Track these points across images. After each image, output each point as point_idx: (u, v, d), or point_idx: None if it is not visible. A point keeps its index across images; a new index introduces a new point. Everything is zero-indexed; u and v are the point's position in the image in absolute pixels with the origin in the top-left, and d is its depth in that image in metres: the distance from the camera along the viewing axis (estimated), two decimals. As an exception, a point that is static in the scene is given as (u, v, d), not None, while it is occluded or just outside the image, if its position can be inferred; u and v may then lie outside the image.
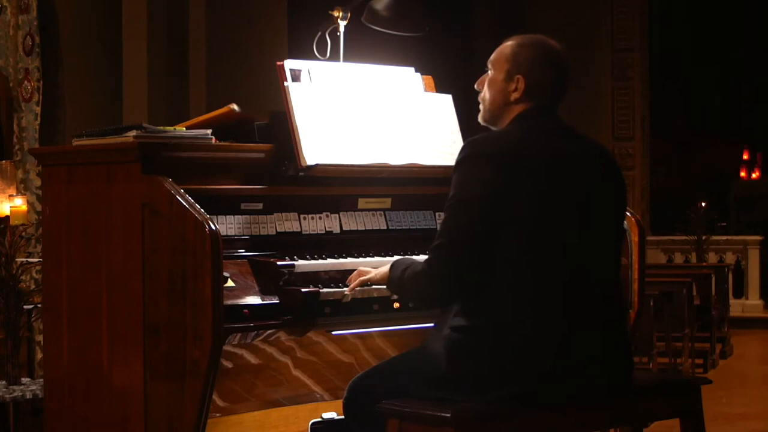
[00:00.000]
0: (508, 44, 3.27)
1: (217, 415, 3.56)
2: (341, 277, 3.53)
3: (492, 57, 3.30)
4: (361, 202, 3.81)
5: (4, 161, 7.51)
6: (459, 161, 3.14)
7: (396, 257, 3.65)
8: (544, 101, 3.23)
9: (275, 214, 3.60)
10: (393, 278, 3.29)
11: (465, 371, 3.10)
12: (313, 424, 3.79)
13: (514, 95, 3.23)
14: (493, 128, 3.30)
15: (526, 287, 3.07)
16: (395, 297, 3.52)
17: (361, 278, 3.43)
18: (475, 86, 3.34)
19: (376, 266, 3.58)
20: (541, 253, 3.07)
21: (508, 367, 3.07)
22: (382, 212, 3.85)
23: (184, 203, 3.17)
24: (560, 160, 3.15)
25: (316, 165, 3.60)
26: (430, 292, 3.19)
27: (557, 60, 3.25)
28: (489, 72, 3.30)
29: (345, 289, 3.45)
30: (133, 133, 3.37)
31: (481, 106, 3.32)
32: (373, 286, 3.45)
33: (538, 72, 3.22)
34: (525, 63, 3.22)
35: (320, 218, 3.70)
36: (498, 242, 3.06)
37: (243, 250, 3.49)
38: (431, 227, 3.94)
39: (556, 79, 3.24)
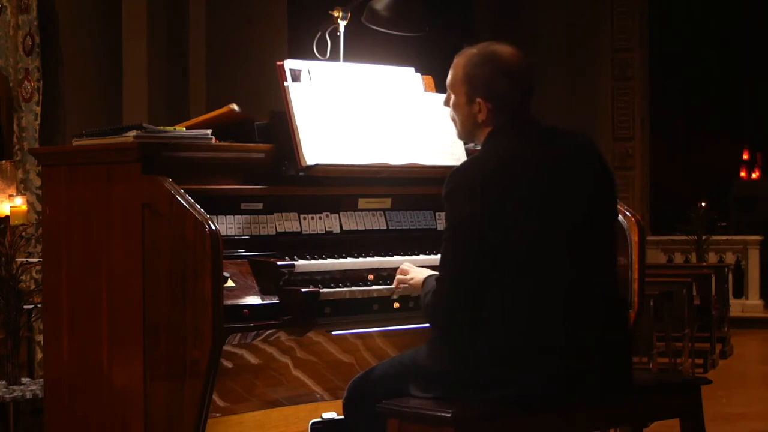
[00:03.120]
0: (460, 64, 3.24)
1: (217, 415, 3.56)
2: (341, 277, 3.54)
3: (448, 80, 3.28)
4: (361, 202, 3.81)
5: (4, 161, 7.50)
6: (447, 194, 3.14)
7: (396, 257, 3.66)
8: (512, 113, 3.21)
9: (275, 214, 3.60)
10: (422, 295, 3.31)
11: (466, 372, 3.10)
12: (313, 424, 3.79)
13: (480, 117, 3.21)
14: (471, 144, 3.29)
15: (527, 290, 3.07)
16: (395, 297, 3.54)
17: (400, 277, 3.48)
18: (443, 104, 3.34)
19: (377, 266, 3.60)
20: (541, 257, 3.07)
21: (509, 368, 3.07)
22: (382, 212, 3.85)
23: (184, 203, 3.17)
24: (547, 166, 3.14)
25: (316, 165, 3.60)
26: (440, 322, 3.20)
27: (511, 69, 3.19)
28: (450, 94, 3.29)
29: (345, 289, 3.46)
30: (133, 133, 3.37)
31: (454, 124, 3.32)
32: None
33: (495, 89, 3.18)
34: (480, 84, 3.19)
35: (320, 218, 3.70)
36: (499, 255, 3.06)
37: (243, 250, 3.49)
38: (431, 227, 3.94)
39: (516, 89, 3.20)
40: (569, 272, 3.10)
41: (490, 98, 3.19)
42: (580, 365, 3.12)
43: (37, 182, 7.69)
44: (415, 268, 3.48)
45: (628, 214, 3.88)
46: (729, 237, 13.75)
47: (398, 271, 3.52)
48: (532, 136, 3.21)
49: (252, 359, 3.67)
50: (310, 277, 3.48)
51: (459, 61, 3.25)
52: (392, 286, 3.53)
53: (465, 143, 3.32)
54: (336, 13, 4.07)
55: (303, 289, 3.35)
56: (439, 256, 3.21)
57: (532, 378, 3.06)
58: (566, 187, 3.14)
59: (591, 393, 3.16)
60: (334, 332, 3.67)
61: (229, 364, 3.59)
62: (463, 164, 3.22)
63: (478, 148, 3.31)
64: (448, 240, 3.13)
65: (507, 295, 3.07)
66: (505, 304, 3.07)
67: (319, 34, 4.10)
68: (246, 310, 3.28)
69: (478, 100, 3.19)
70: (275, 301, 3.36)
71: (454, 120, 3.31)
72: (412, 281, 3.45)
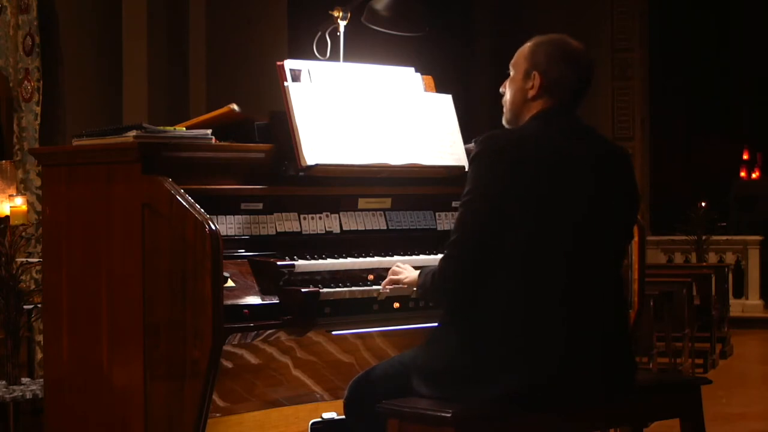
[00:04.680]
0: (528, 44, 3.28)
1: (217, 415, 3.56)
2: (341, 277, 3.54)
3: (513, 59, 3.30)
4: (361, 202, 3.81)
5: (4, 161, 7.50)
6: (472, 157, 3.15)
7: (396, 257, 3.66)
8: (561, 100, 3.22)
9: (275, 214, 3.60)
10: (419, 284, 3.31)
11: (466, 368, 3.10)
12: (313, 424, 3.79)
13: (531, 92, 3.22)
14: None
15: (524, 288, 3.07)
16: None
17: (392, 278, 3.48)
18: (500, 90, 3.35)
19: (377, 266, 3.60)
20: (540, 254, 3.07)
21: (509, 368, 3.06)
22: (382, 212, 3.85)
23: (184, 203, 3.17)
24: (566, 160, 3.14)
25: (316, 165, 3.60)
26: (443, 284, 3.18)
27: (575, 58, 3.24)
28: (510, 73, 3.30)
29: (345, 289, 3.46)
30: (133, 133, 3.37)
31: (504, 109, 3.32)
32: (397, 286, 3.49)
33: (554, 69, 3.21)
34: (542, 60, 3.22)
35: (320, 218, 3.70)
36: (503, 240, 3.06)
37: (243, 250, 3.49)
38: (431, 227, 3.94)
39: (573, 77, 3.23)
40: (566, 272, 3.10)
41: (546, 75, 3.21)
42: (580, 365, 3.12)
43: (37, 182, 7.69)
44: (408, 267, 3.48)
45: (628, 214, 3.88)
46: (729, 237, 13.75)
47: (390, 271, 3.51)
48: (567, 129, 3.21)
49: (252, 359, 3.67)
50: (310, 277, 3.48)
51: (529, 41, 3.29)
52: (381, 286, 3.51)
53: (509, 124, 3.30)
54: (336, 13, 4.08)
55: (303, 289, 3.35)
56: (439, 256, 3.21)
57: (531, 378, 3.06)
58: (574, 184, 3.13)
59: (591, 393, 3.16)
60: (334, 332, 3.67)
61: (229, 364, 3.59)
62: (495, 132, 3.19)
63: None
64: (462, 206, 3.14)
65: (505, 295, 3.06)
66: (504, 304, 3.07)
67: (319, 34, 4.10)
68: (246, 310, 3.28)
69: (535, 73, 3.21)
70: (275, 301, 3.36)
71: (504, 102, 3.31)
72: (406, 279, 3.45)
